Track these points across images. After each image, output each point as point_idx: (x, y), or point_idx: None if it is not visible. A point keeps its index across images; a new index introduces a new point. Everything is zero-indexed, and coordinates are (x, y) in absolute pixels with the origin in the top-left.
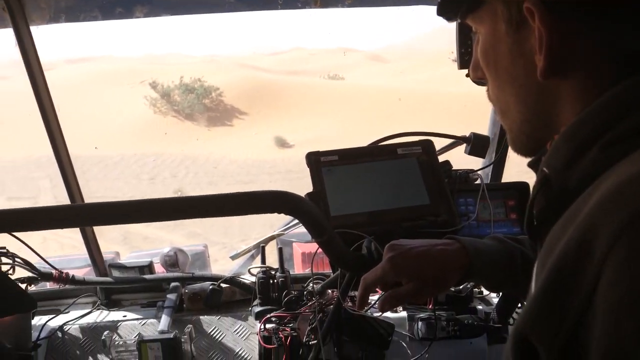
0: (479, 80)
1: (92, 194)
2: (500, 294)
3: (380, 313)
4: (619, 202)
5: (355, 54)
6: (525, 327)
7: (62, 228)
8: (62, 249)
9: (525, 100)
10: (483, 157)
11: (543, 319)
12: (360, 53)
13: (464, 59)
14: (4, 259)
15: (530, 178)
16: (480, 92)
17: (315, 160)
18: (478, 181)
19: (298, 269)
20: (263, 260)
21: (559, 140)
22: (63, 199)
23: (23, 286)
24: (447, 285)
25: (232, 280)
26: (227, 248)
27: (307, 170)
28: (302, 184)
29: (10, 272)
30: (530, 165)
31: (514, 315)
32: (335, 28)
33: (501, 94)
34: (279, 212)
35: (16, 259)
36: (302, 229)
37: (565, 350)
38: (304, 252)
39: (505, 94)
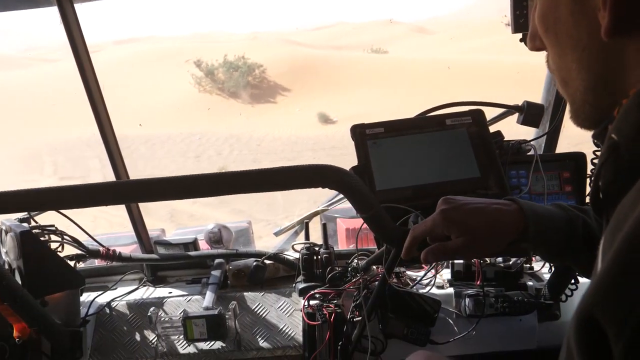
0: (537, 50)
1: (140, 172)
2: (553, 269)
3: (427, 290)
4: None
5: (399, 27)
6: (593, 307)
7: (106, 205)
8: (112, 227)
9: (589, 65)
10: (537, 127)
11: (612, 299)
12: (404, 25)
13: (519, 22)
14: (53, 237)
15: (582, 150)
16: (533, 59)
17: (360, 133)
18: (531, 152)
19: (342, 245)
20: (307, 237)
21: (629, 104)
22: (112, 178)
23: (71, 263)
24: (497, 245)
25: (276, 257)
26: (271, 225)
27: (352, 146)
28: (346, 160)
29: (59, 249)
30: (595, 136)
31: (567, 291)
32: (378, 0)
33: (562, 61)
34: (324, 187)
35: (65, 237)
36: (346, 205)
37: (638, 333)
38: (348, 228)
39: (567, 60)
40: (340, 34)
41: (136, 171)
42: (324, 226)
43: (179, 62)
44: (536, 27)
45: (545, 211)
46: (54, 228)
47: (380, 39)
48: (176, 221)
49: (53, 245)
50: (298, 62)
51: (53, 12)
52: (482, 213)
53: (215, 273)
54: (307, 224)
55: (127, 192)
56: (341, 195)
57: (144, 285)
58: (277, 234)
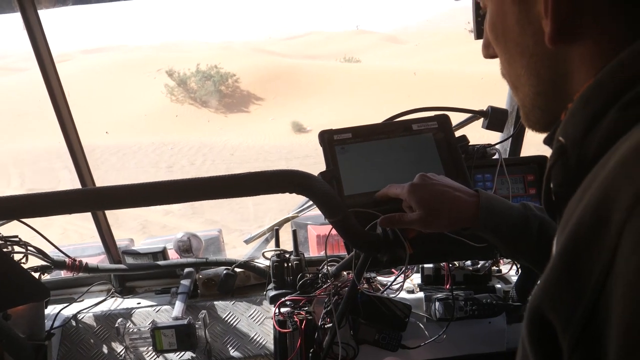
0: (491, 57)
1: (110, 183)
2: (520, 271)
3: (397, 294)
4: (637, 162)
5: (371, 36)
6: (541, 303)
7: (69, 213)
8: (82, 239)
9: (537, 71)
10: (501, 131)
11: (558, 295)
12: (376, 35)
13: (481, 29)
14: (17, 248)
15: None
16: (498, 67)
17: (328, 139)
18: (496, 156)
19: (313, 251)
20: (277, 244)
21: (574, 108)
22: None
23: (36, 275)
24: (449, 227)
25: (246, 265)
26: (244, 234)
27: None
28: (319, 169)
29: (23, 261)
30: (546, 141)
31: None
32: (350, 10)
33: (512, 68)
34: (291, 192)
35: (29, 248)
36: (317, 211)
37: (585, 328)
38: (319, 234)
39: (515, 67)
40: (313, 43)
41: (106, 182)
42: (294, 232)
43: (150, 71)
44: (488, 36)
45: (503, 207)
46: (17, 239)
47: (353, 48)
48: (148, 232)
49: (17, 257)
50: (271, 71)
51: (19, 18)
52: (443, 196)
53: (185, 282)
54: (277, 231)
55: (91, 199)
56: (311, 202)
57: (112, 297)
58: (247, 241)
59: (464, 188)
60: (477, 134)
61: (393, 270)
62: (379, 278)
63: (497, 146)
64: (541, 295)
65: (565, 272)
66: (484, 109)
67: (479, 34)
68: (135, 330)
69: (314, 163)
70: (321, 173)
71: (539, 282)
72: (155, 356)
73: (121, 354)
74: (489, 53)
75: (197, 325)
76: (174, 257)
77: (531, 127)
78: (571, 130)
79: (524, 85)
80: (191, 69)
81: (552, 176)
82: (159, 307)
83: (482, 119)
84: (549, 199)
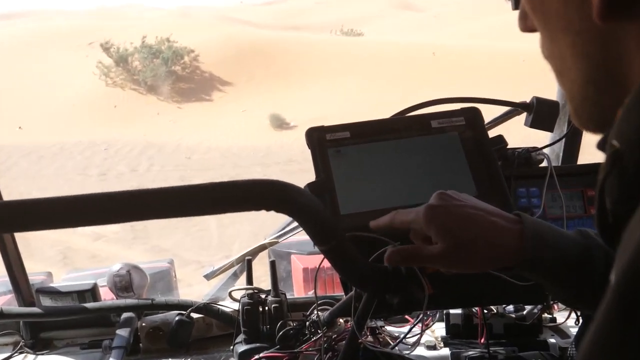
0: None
1: (20, 194)
2: (581, 320)
3: (414, 351)
4: None
5: (378, 2)
6: None
7: None
8: None
9: (586, 52)
10: (551, 130)
11: (612, 354)
12: (384, 1)
13: None
14: None
15: None
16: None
17: (318, 139)
18: (544, 163)
19: (299, 291)
20: (249, 280)
21: (631, 101)
22: None
23: None
24: (481, 267)
25: (207, 309)
26: (205, 267)
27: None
28: (307, 178)
29: None
30: (599, 146)
31: None
32: None
33: (555, 46)
34: (268, 209)
35: None
36: (303, 236)
37: None
38: (306, 267)
39: (559, 46)
40: (299, 10)
41: (15, 194)
42: (273, 265)
43: (80, 44)
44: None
45: (555, 236)
46: None
47: (352, 16)
48: (71, 265)
49: None
50: (243, 47)
51: None
52: (473, 223)
53: (122, 333)
54: (249, 263)
55: None
56: (296, 223)
57: (21, 352)
58: (208, 276)
59: (500, 212)
60: (519, 134)
61: (407, 317)
62: (388, 328)
63: (545, 150)
64: (590, 355)
65: (620, 321)
66: (527, 100)
67: (517, 4)
68: None
69: (300, 170)
70: (309, 184)
71: (587, 333)
72: None
73: None
74: (526, 26)
75: None
76: (107, 297)
77: (582, 125)
78: (627, 132)
79: (570, 69)
80: (135, 43)
81: (606, 191)
82: None
83: (524, 114)
84: (604, 222)
